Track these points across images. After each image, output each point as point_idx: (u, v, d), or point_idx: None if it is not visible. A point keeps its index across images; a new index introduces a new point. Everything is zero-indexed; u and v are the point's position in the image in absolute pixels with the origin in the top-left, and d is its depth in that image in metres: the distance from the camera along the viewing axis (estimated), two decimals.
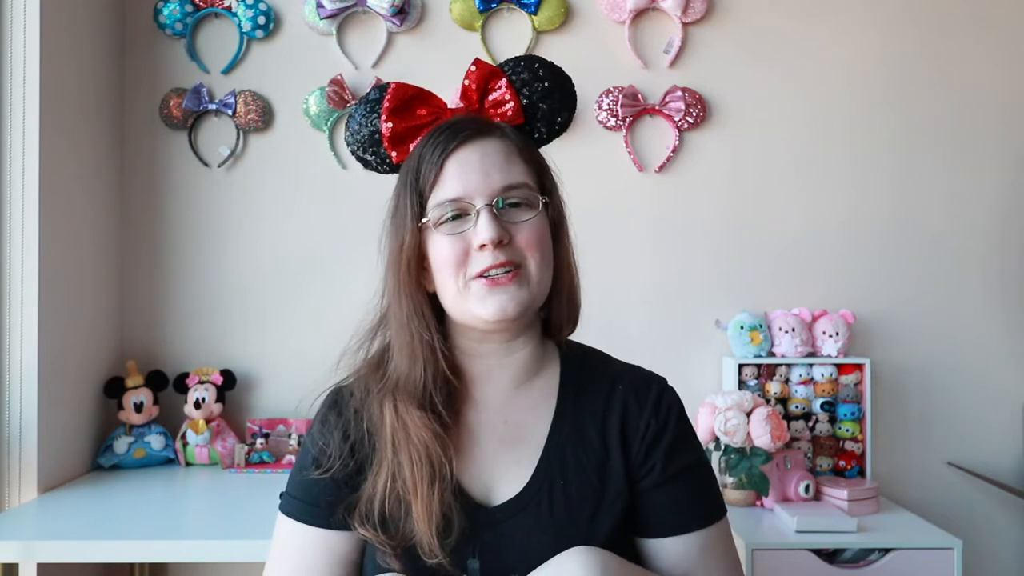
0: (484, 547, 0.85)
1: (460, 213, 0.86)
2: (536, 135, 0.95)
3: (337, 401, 0.94)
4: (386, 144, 0.93)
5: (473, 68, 0.93)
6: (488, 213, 0.84)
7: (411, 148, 0.92)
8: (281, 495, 0.93)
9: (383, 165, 0.96)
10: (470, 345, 0.91)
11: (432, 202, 0.87)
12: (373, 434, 0.89)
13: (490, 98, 0.93)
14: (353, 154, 0.97)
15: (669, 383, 0.95)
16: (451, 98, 0.99)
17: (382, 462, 0.87)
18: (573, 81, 0.97)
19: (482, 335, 0.90)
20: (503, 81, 0.92)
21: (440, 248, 0.86)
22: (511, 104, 0.92)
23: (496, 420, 0.91)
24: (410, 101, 0.92)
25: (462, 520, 0.84)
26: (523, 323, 0.90)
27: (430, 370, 0.88)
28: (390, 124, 0.91)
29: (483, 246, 0.84)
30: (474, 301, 0.86)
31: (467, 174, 0.86)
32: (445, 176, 0.86)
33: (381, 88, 0.94)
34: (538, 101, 0.93)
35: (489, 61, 2.11)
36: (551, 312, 0.94)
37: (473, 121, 0.90)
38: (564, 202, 0.95)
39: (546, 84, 0.93)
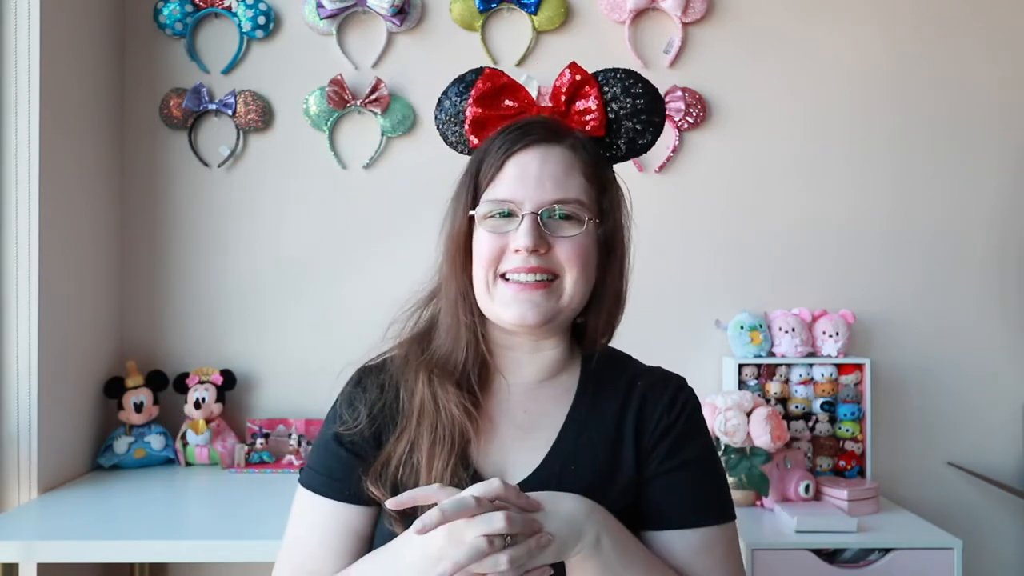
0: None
1: (509, 213, 0.87)
2: (613, 150, 0.95)
3: (361, 379, 0.96)
4: (468, 127, 0.94)
5: (567, 71, 0.94)
6: (532, 221, 0.86)
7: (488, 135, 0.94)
8: (301, 469, 0.96)
9: (460, 145, 0.98)
10: (500, 336, 0.93)
11: (485, 196, 0.89)
12: (399, 405, 0.92)
13: (577, 105, 0.93)
14: (438, 127, 0.99)
15: (688, 383, 0.97)
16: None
17: (405, 429, 0.89)
18: (665, 106, 0.97)
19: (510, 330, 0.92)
20: (594, 91, 0.92)
21: (480, 241, 0.89)
22: (595, 115, 0.92)
23: (516, 409, 0.93)
24: (500, 90, 0.94)
25: None
26: (550, 329, 0.91)
27: (471, 352, 0.91)
28: (476, 109, 0.93)
29: (518, 250, 0.86)
30: (499, 302, 0.88)
31: (523, 179, 0.87)
32: (503, 175, 0.88)
33: (477, 71, 0.96)
34: (624, 118, 0.93)
35: (489, 61, 2.11)
36: (587, 325, 0.95)
37: (547, 125, 0.90)
38: (626, 224, 0.96)
39: (637, 103, 0.93)
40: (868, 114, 2.13)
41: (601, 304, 0.94)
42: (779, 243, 2.13)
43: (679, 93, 2.09)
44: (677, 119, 2.10)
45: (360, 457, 0.90)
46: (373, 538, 0.92)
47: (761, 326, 2.01)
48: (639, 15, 2.12)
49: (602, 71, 0.95)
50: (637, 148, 0.96)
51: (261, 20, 2.10)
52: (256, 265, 2.13)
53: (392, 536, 0.86)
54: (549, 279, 0.87)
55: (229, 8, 2.11)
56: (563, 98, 0.94)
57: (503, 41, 2.13)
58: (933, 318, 2.12)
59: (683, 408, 0.93)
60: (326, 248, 2.12)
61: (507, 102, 0.93)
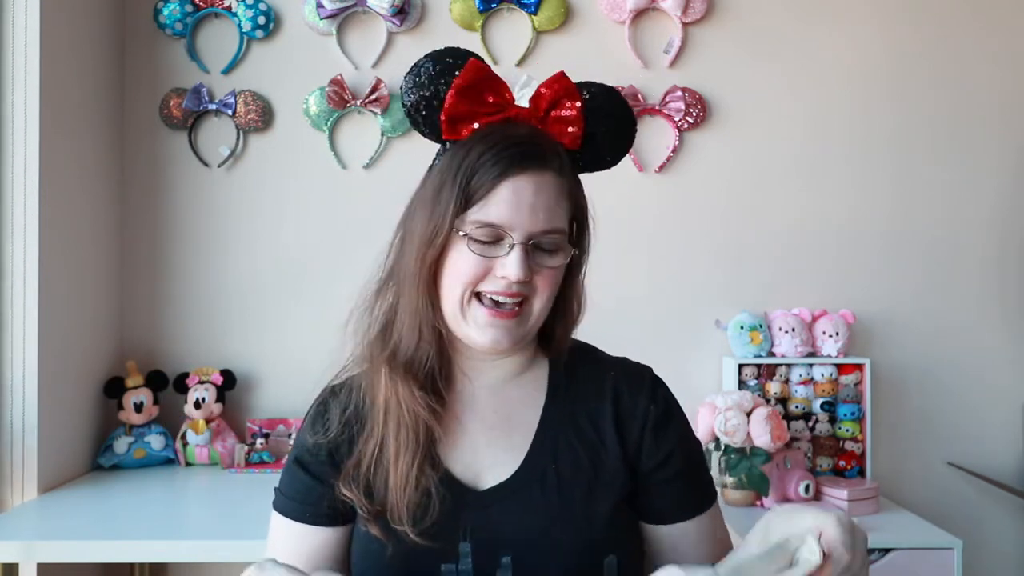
0: (474, 530, 0.86)
1: (495, 240, 0.85)
2: (579, 162, 0.94)
3: (325, 401, 0.96)
4: (443, 116, 0.89)
5: (554, 82, 0.91)
6: (522, 250, 0.84)
7: (463, 131, 0.89)
8: (275, 490, 0.96)
9: (429, 131, 0.92)
10: (462, 347, 0.93)
11: (474, 215, 0.85)
12: (365, 412, 0.92)
13: (557, 113, 0.91)
14: (405, 105, 0.91)
15: (656, 373, 0.98)
16: None
17: (373, 428, 0.90)
18: (636, 126, 0.97)
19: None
20: (578, 103, 0.90)
21: (463, 260, 0.86)
22: (574, 130, 0.91)
23: (484, 409, 0.93)
24: (482, 83, 0.89)
25: (447, 500, 0.86)
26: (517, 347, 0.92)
27: (433, 352, 0.90)
28: (453, 101, 0.88)
29: (504, 277, 0.85)
30: (472, 324, 0.87)
31: (518, 204, 0.85)
32: (496, 196, 0.85)
33: (459, 55, 0.90)
34: (601, 136, 0.92)
35: (489, 61, 2.11)
36: (553, 331, 0.95)
37: (537, 146, 0.88)
38: (590, 240, 0.95)
39: (617, 123, 0.93)
40: (868, 114, 2.13)
41: (567, 314, 0.95)
42: (779, 243, 2.12)
43: (679, 93, 2.09)
44: (677, 119, 2.10)
45: (323, 481, 0.90)
46: (348, 555, 0.92)
47: (761, 326, 2.01)
48: (639, 15, 2.11)
49: (586, 84, 0.93)
50: (602, 164, 0.96)
51: (261, 20, 2.10)
52: (256, 265, 2.13)
53: (368, 538, 0.86)
54: (520, 302, 0.87)
55: (229, 8, 2.11)
56: (544, 105, 0.91)
57: (503, 41, 2.13)
58: (933, 318, 2.12)
59: (668, 402, 0.95)
60: (326, 248, 2.12)
61: (488, 97, 0.90)
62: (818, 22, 2.13)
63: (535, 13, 2.10)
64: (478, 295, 0.87)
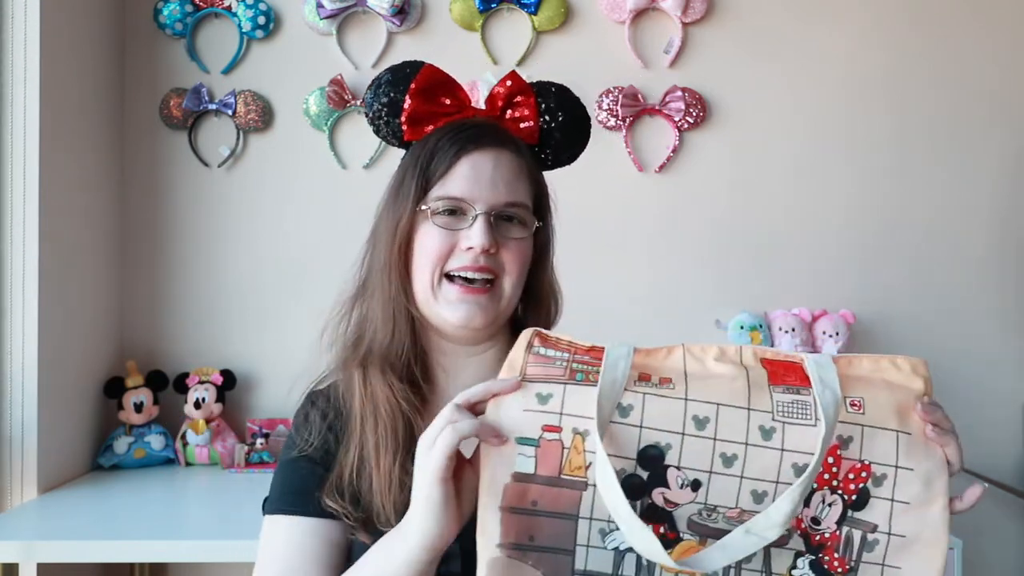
0: (463, 529, 0.84)
1: (457, 211, 0.88)
2: (542, 157, 0.98)
3: (313, 403, 0.97)
4: (403, 120, 0.94)
5: (507, 80, 0.96)
6: (485, 220, 0.87)
7: (425, 131, 0.94)
8: (264, 501, 0.93)
9: (393, 137, 0.97)
10: (436, 340, 0.94)
11: (435, 193, 0.89)
12: (345, 417, 0.92)
13: (511, 112, 0.95)
14: (367, 116, 0.97)
15: None
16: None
17: (351, 437, 0.89)
18: (591, 121, 1.00)
19: (448, 332, 0.92)
20: (530, 101, 0.95)
21: (429, 237, 0.89)
22: (530, 124, 0.95)
23: None
24: (438, 86, 0.94)
25: None
26: (489, 331, 0.93)
27: (408, 342, 0.91)
28: (412, 103, 0.93)
29: (471, 248, 0.86)
30: (444, 303, 0.88)
31: (477, 178, 0.88)
32: (456, 172, 0.88)
33: (415, 64, 0.95)
34: (554, 131, 0.95)
35: (489, 61, 2.12)
36: (527, 323, 0.96)
37: (494, 129, 0.92)
38: (554, 228, 0.98)
39: (568, 118, 0.96)
40: (868, 114, 2.13)
41: (539, 302, 0.97)
42: (779, 243, 2.12)
43: (679, 93, 2.09)
44: (677, 119, 2.10)
45: (326, 468, 0.90)
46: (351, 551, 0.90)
47: (761, 326, 2.01)
48: (639, 15, 2.11)
49: (539, 83, 0.97)
50: (562, 160, 0.99)
51: (261, 20, 2.10)
52: (256, 265, 2.13)
53: (360, 546, 0.84)
54: (491, 279, 0.88)
55: (229, 8, 2.11)
56: (500, 104, 0.95)
57: (503, 41, 2.13)
58: (933, 318, 2.12)
59: None
60: (326, 248, 2.12)
61: (444, 99, 0.94)
62: (818, 22, 2.13)
63: (535, 13, 2.10)
64: (449, 276, 0.88)
